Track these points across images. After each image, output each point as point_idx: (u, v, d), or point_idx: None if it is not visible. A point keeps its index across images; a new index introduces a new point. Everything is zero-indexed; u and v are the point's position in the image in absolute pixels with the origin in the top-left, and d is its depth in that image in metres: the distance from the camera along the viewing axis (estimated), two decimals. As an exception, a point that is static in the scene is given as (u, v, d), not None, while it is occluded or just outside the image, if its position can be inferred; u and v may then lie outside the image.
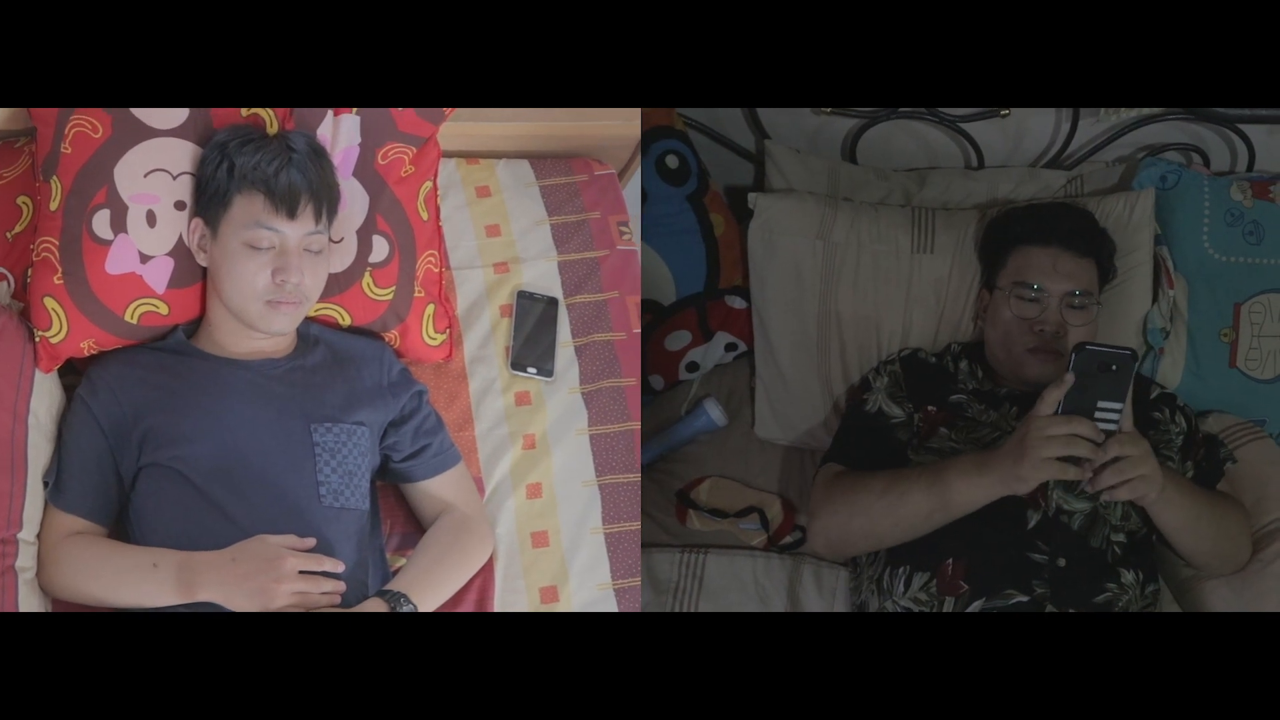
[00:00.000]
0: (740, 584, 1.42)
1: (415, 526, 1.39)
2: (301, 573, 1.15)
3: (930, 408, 1.41)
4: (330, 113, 1.39)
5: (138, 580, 1.16)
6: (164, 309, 1.31)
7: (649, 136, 1.69)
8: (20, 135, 1.43)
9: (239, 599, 1.14)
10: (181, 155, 1.31)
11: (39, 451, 1.23)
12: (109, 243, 1.28)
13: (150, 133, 1.30)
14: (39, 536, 1.21)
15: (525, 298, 1.55)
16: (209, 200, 1.27)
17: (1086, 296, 1.42)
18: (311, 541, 1.19)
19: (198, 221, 1.29)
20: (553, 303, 1.56)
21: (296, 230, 1.26)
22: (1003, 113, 1.75)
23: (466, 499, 1.38)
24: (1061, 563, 1.24)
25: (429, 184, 1.52)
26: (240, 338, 1.31)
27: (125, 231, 1.28)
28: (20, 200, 1.38)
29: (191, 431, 1.23)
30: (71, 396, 1.29)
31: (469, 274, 1.58)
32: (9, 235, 1.36)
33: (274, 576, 1.14)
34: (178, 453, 1.22)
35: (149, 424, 1.23)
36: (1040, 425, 1.10)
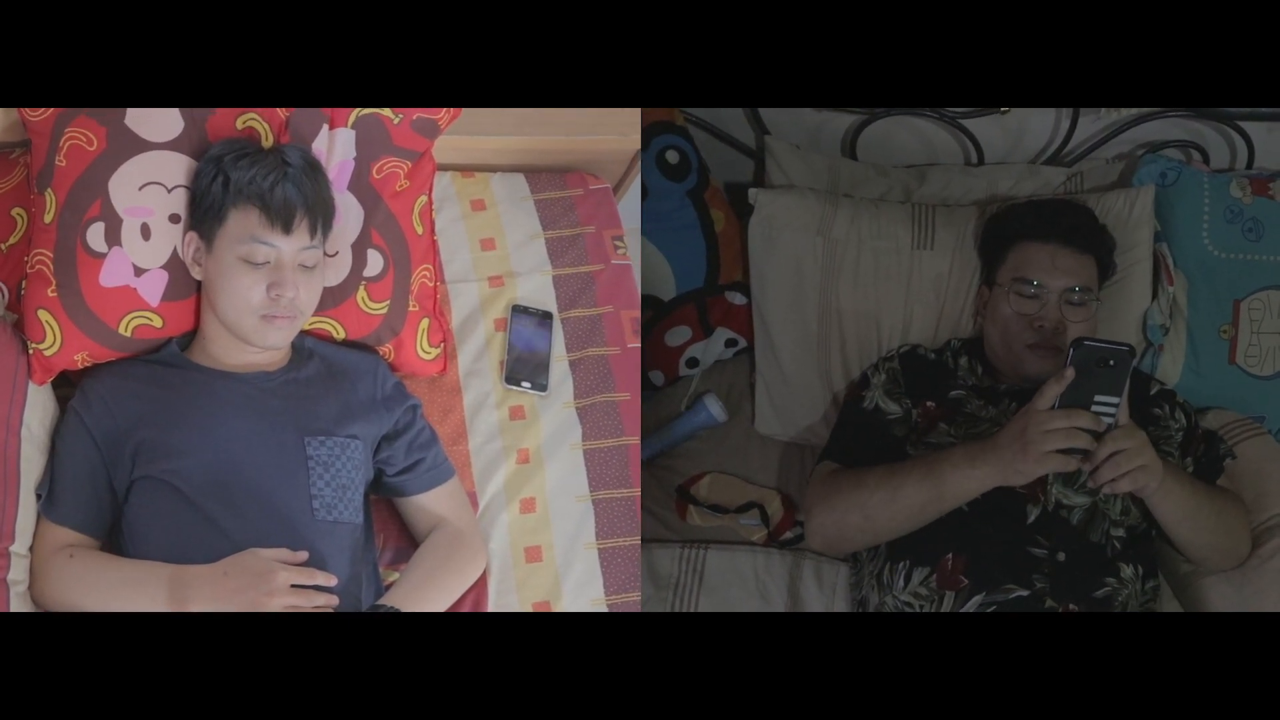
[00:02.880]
0: (741, 579, 1.42)
1: (409, 540, 1.39)
2: (294, 586, 1.15)
3: (929, 403, 1.42)
4: (325, 126, 1.39)
5: (130, 593, 1.16)
6: (158, 322, 1.30)
7: (649, 132, 1.69)
8: (15, 147, 1.43)
9: (228, 605, 1.13)
10: (176, 168, 1.30)
11: (31, 464, 1.22)
12: (103, 256, 1.27)
13: (145, 145, 1.30)
14: (31, 549, 1.21)
15: (520, 311, 1.55)
16: (204, 214, 1.26)
17: (1086, 293, 1.42)
18: (304, 555, 1.18)
19: (192, 235, 1.28)
20: (547, 316, 1.56)
21: (292, 245, 1.25)
22: (1002, 109, 1.75)
23: (460, 513, 1.38)
24: (1061, 557, 1.25)
25: (424, 198, 1.51)
26: (234, 351, 1.31)
27: (119, 244, 1.28)
28: (14, 212, 1.37)
29: (185, 444, 1.23)
30: (65, 408, 1.29)
31: (463, 288, 1.57)
32: (3, 247, 1.36)
33: (265, 590, 1.13)
34: (171, 466, 1.21)
35: (142, 436, 1.23)
36: (1040, 420, 1.11)
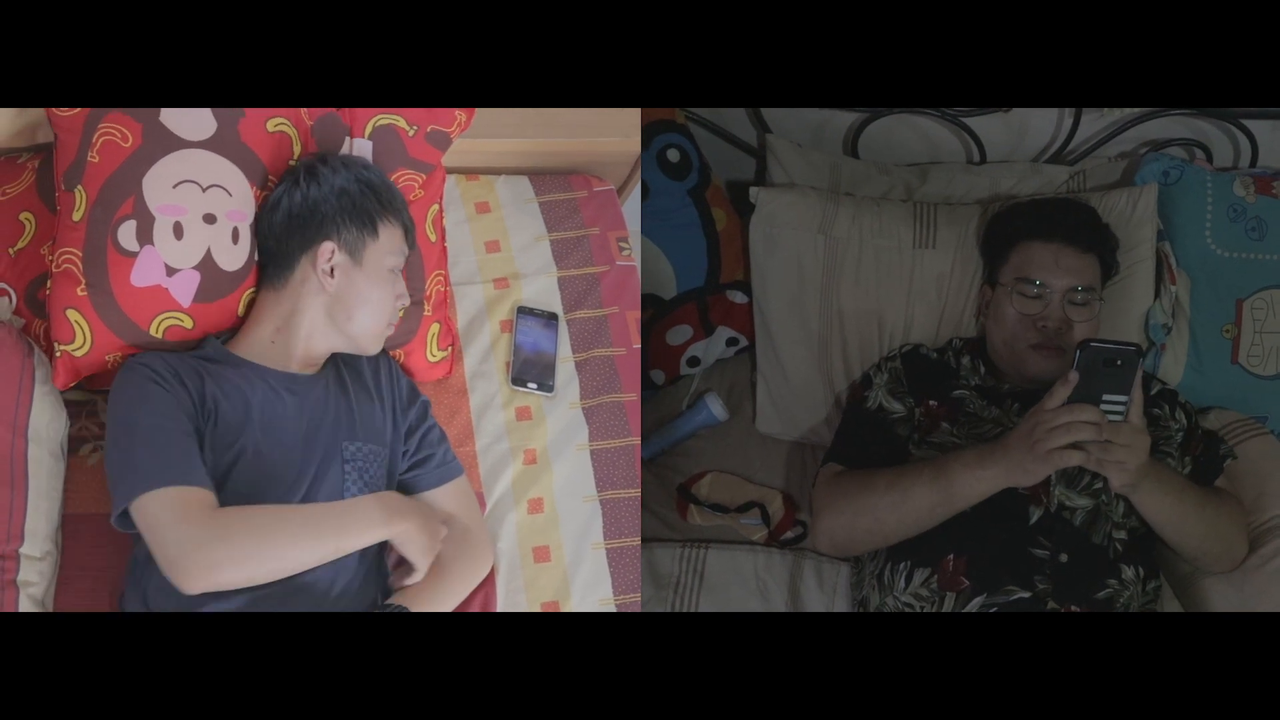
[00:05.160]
0: (741, 579, 1.42)
1: None
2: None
3: (932, 402, 1.41)
4: (348, 137, 1.41)
5: (343, 521, 1.18)
6: (188, 323, 1.30)
7: (650, 130, 1.68)
8: (23, 151, 1.43)
9: (424, 534, 1.22)
10: (211, 167, 1.30)
11: (39, 465, 1.23)
12: (134, 255, 1.27)
13: (180, 143, 1.30)
14: (167, 532, 1.10)
15: (525, 313, 1.55)
16: (347, 224, 1.29)
17: (1089, 292, 1.41)
18: None
19: (330, 247, 1.29)
20: (553, 318, 1.56)
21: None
22: (1005, 108, 1.75)
23: (468, 511, 1.38)
24: (1063, 558, 1.24)
25: (435, 206, 1.53)
26: (288, 359, 1.30)
27: (151, 243, 1.27)
28: (23, 216, 1.37)
29: (228, 438, 1.22)
30: (70, 412, 1.30)
31: (469, 290, 1.58)
32: (11, 251, 1.36)
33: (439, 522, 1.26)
34: (216, 459, 1.20)
35: (212, 407, 1.22)
36: (1048, 418, 1.11)
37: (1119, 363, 1.10)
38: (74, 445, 1.33)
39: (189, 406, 1.20)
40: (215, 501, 1.14)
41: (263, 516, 1.15)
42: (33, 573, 1.19)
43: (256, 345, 1.31)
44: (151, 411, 1.18)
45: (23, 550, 1.18)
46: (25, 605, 1.17)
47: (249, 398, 1.25)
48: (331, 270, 1.29)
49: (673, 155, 1.70)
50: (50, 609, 1.21)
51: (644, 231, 1.69)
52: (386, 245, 1.31)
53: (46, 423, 1.25)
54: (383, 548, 1.34)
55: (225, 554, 1.09)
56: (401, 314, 1.41)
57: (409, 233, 1.36)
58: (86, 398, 1.37)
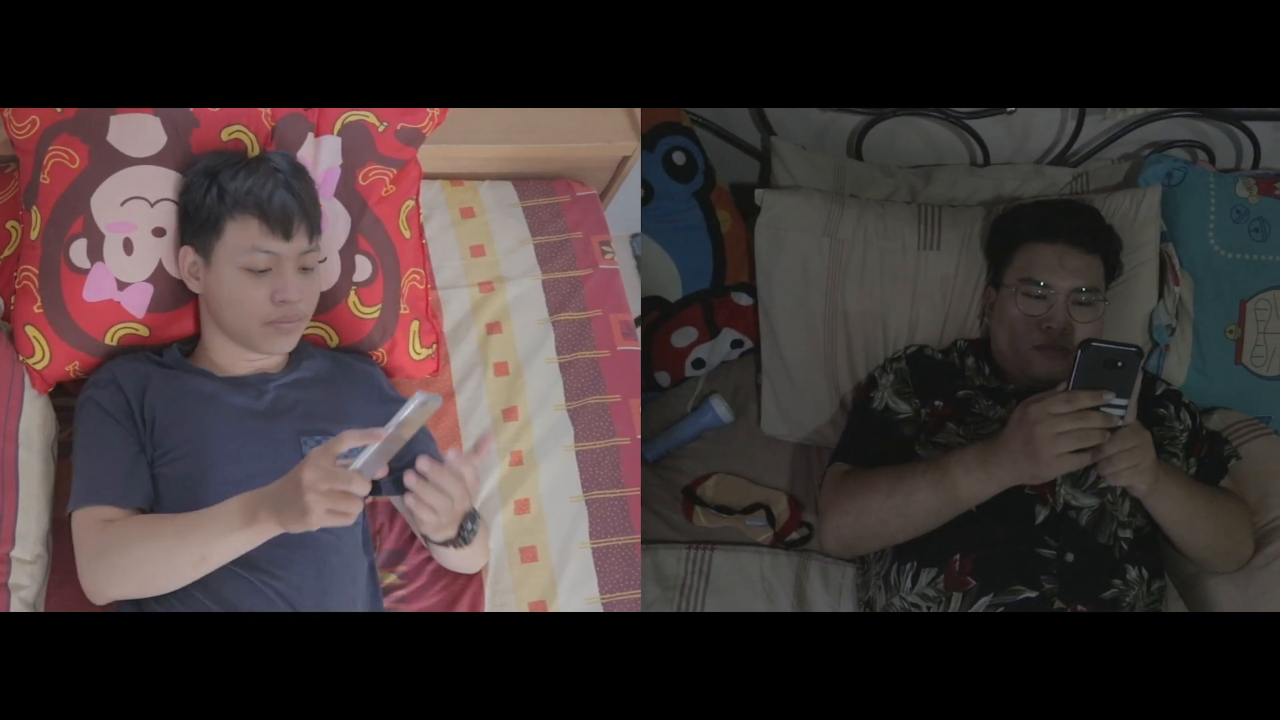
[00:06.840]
0: (747, 580, 1.43)
1: (406, 541, 1.40)
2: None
3: (937, 403, 1.42)
4: (311, 134, 1.41)
5: (206, 521, 1.08)
6: (144, 331, 1.32)
7: (656, 133, 1.69)
8: (9, 161, 1.44)
9: (290, 517, 1.03)
10: (159, 182, 1.31)
11: (29, 469, 1.23)
12: (85, 271, 1.29)
13: (127, 161, 1.31)
14: (77, 550, 1.16)
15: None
16: (200, 228, 1.27)
17: (1093, 293, 1.42)
18: (379, 434, 1.04)
19: (187, 250, 1.29)
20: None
21: (292, 250, 1.26)
22: (1008, 109, 1.75)
23: None
24: (1069, 558, 1.25)
25: (411, 202, 1.53)
26: (237, 359, 1.31)
27: (102, 260, 1.29)
28: (9, 225, 1.39)
29: (184, 447, 1.22)
30: (61, 417, 1.31)
31: (455, 293, 1.59)
32: None
33: (302, 488, 1.01)
34: (169, 470, 1.21)
35: (150, 418, 1.24)
36: (1051, 424, 1.09)
37: (1119, 364, 1.09)
38: (64, 449, 1.33)
39: (117, 418, 1.23)
40: (116, 515, 1.16)
41: (139, 527, 1.14)
42: (24, 576, 1.19)
43: (202, 351, 1.33)
44: (85, 435, 1.23)
45: (13, 554, 1.19)
46: (16, 608, 1.17)
47: (189, 406, 1.25)
48: (195, 274, 1.29)
49: (678, 158, 1.70)
50: (41, 612, 1.21)
51: (649, 234, 1.70)
52: (234, 244, 1.25)
53: (36, 426, 1.26)
54: (368, 545, 1.34)
55: (106, 569, 1.13)
56: (310, 311, 1.34)
57: (286, 225, 1.25)
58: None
